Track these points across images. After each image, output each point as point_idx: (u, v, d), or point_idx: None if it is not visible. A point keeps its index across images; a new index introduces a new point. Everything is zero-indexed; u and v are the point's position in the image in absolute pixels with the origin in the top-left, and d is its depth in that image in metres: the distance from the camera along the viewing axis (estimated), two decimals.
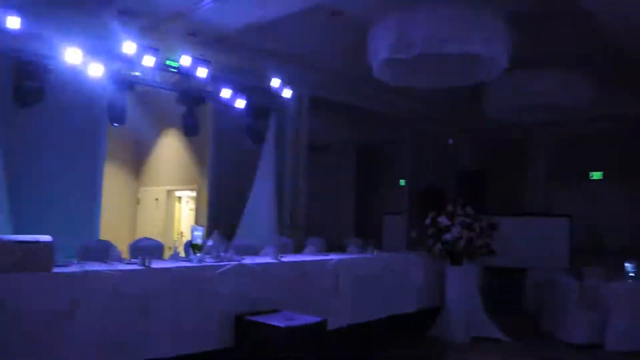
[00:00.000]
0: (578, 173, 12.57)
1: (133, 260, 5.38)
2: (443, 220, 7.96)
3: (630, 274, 7.86)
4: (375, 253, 7.87)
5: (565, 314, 7.74)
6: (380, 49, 7.14)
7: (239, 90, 8.31)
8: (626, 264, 8.06)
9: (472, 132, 13.21)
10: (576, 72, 9.92)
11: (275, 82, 8.47)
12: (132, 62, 6.94)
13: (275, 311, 5.63)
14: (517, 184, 13.02)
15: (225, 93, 8.17)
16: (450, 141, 10.90)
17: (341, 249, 8.41)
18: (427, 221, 8.11)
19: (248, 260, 6.02)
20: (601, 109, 10.86)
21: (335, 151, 13.74)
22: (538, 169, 13.13)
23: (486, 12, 7.04)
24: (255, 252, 7.24)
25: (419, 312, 7.96)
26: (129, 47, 6.74)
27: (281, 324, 5.06)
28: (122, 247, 6.02)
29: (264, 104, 8.92)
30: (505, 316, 8.90)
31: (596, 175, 12.49)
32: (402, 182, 12.47)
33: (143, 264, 5.03)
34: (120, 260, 5.39)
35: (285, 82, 8.56)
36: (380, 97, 10.18)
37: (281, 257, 6.38)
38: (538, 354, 7.29)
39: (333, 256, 7.07)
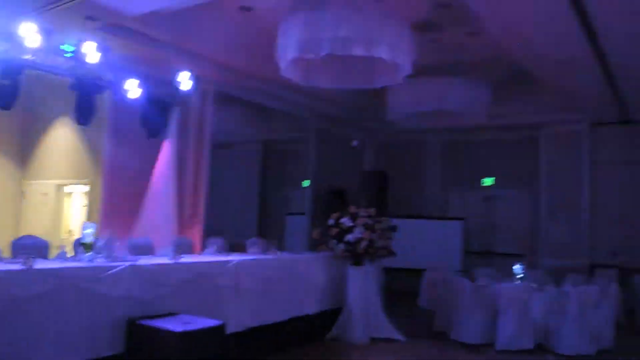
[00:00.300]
0: (472, 178, 13.19)
1: (14, 259, 4.92)
2: (346, 221, 8.00)
3: (519, 276, 8.31)
4: (277, 254, 7.76)
5: (458, 314, 8.03)
6: (289, 47, 7.06)
7: (139, 81, 7.92)
8: (515, 266, 8.53)
9: (375, 134, 13.49)
10: (472, 81, 10.40)
11: (179, 75, 8.16)
12: (22, 43, 6.38)
13: (171, 314, 5.38)
14: (415, 186, 13.45)
15: (125, 83, 7.76)
16: (355, 143, 11.05)
17: (243, 249, 8.24)
18: (330, 222, 8.13)
19: (143, 260, 5.70)
20: (494, 117, 11.43)
21: (240, 149, 13.53)
22: (435, 172, 13.65)
23: (392, 17, 7.17)
24: (152, 252, 6.93)
25: (321, 313, 7.96)
26: (19, 27, 6.20)
27: (177, 328, 4.83)
28: (3, 245, 5.51)
29: (166, 96, 8.57)
30: (403, 316, 9.13)
31: (488, 181, 13.17)
32: (306, 182, 12.48)
33: (25, 264, 4.60)
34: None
35: (190, 76, 8.26)
36: (286, 96, 10.11)
37: (179, 257, 6.11)
38: (432, 354, 7.51)
39: (234, 257, 6.89)
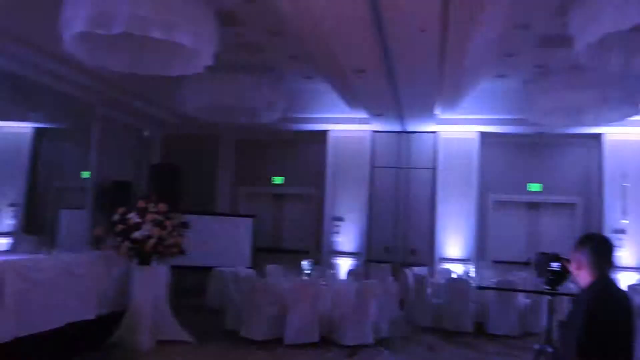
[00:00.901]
0: (263, 176, 13.37)
1: None
2: (133, 217, 7.39)
3: (306, 272, 8.56)
4: (49, 253, 6.84)
5: (249, 311, 7.96)
6: (76, 19, 6.24)
7: None
8: (303, 262, 8.78)
9: (167, 126, 12.84)
10: (270, 81, 10.49)
11: None
12: None
13: None
14: (208, 182, 13.19)
15: None
16: (147, 133, 10.32)
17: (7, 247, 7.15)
18: (115, 217, 7.43)
19: None
20: (289, 118, 11.70)
21: (5, 134, 11.77)
22: (228, 168, 13.53)
23: (196, 3, 6.81)
24: None
25: (101, 317, 7.21)
26: None
27: None
28: None
29: None
30: (192, 316, 8.79)
31: (278, 179, 13.46)
32: (87, 173, 11.33)
33: None
34: None
35: None
36: (68, 75, 9.04)
37: None
38: (222, 353, 7.30)
39: None
